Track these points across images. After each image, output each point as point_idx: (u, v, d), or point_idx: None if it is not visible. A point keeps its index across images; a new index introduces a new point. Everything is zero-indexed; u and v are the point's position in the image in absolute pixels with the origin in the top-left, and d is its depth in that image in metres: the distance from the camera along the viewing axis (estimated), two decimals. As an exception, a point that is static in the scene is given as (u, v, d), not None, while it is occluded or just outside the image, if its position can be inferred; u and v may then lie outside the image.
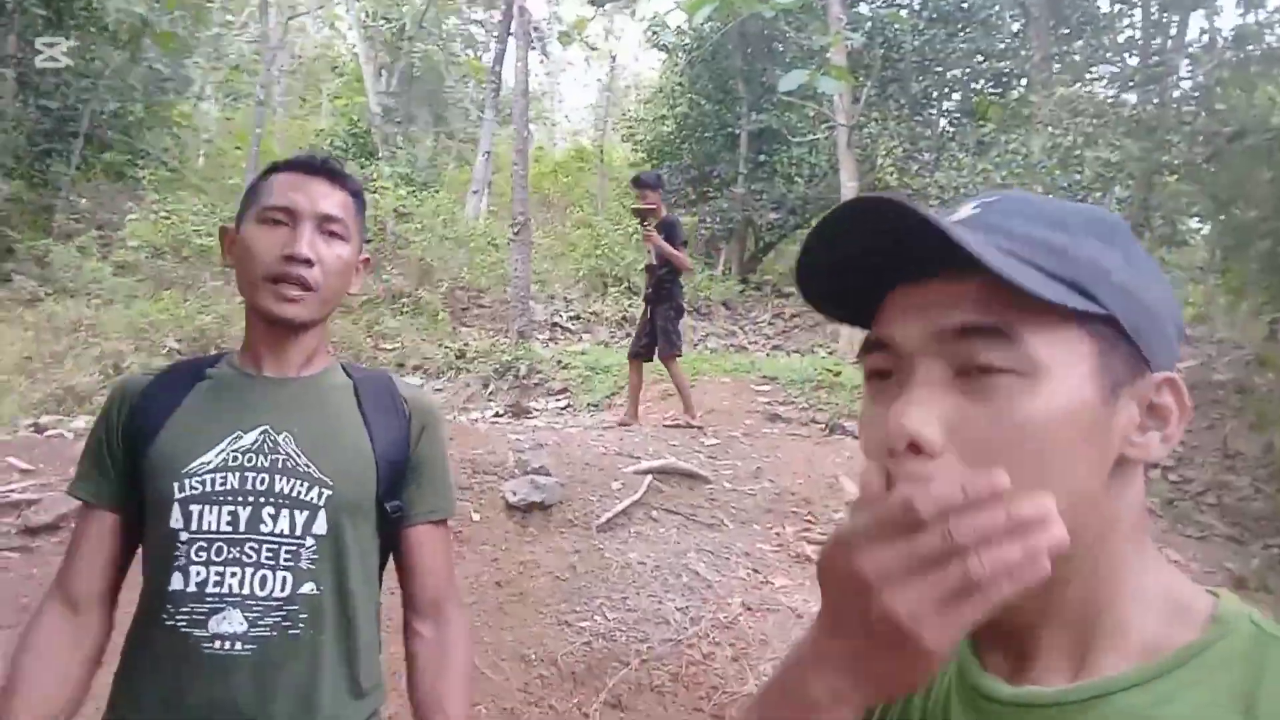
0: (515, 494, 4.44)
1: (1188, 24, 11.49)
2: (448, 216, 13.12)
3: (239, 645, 1.26)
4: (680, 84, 15.56)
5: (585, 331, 11.64)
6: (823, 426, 6.80)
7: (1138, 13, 12.41)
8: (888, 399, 0.60)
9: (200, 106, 18.30)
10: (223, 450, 1.32)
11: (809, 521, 5.06)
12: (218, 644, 1.26)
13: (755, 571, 4.40)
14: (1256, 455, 6.93)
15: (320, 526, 1.33)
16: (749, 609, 4.02)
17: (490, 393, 8.79)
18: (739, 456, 5.76)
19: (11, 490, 4.20)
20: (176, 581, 1.28)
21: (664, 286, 6.39)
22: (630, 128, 17.26)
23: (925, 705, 0.70)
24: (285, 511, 1.31)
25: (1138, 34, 12.52)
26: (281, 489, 1.32)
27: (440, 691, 1.42)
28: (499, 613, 3.81)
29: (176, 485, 1.30)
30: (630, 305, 12.18)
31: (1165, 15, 11.73)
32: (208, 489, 1.30)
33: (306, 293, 1.35)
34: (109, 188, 13.46)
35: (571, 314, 12.11)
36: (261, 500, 1.31)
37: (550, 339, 11.21)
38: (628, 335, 11.60)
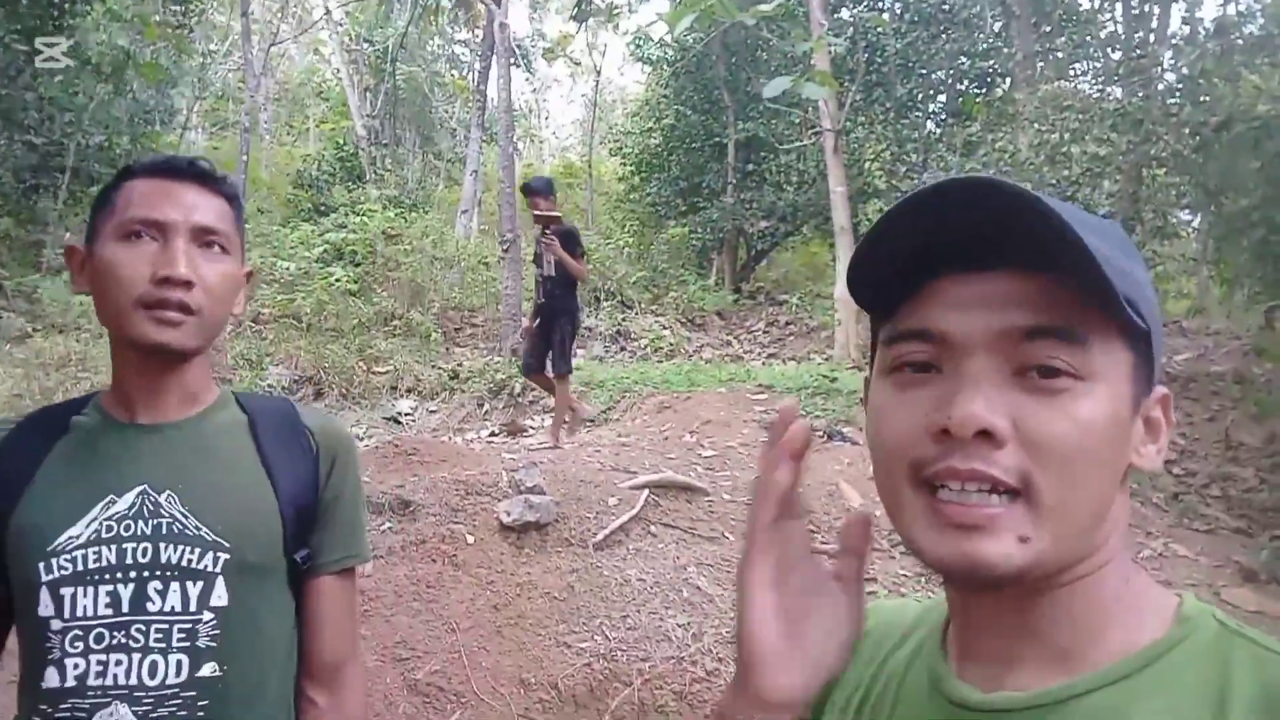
0: (509, 514, 4.37)
1: (1169, 16, 11.51)
2: (437, 237, 13.11)
3: None
4: (665, 96, 15.57)
5: (579, 347, 11.58)
6: (820, 433, 6.74)
7: (1119, 7, 12.43)
8: (929, 390, 0.60)
9: (187, 137, 18.26)
10: (94, 519, 1.13)
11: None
12: None
13: (757, 584, 4.33)
14: (1259, 446, 6.88)
15: (219, 597, 1.15)
16: (752, 622, 3.95)
17: (485, 412, 8.72)
18: (737, 467, 5.70)
19: None
20: (51, 678, 1.10)
21: (560, 299, 6.25)
22: (617, 141, 17.28)
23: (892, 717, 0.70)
24: (175, 584, 1.13)
25: (1120, 28, 12.54)
26: (169, 559, 1.13)
27: None
28: (496, 636, 3.73)
29: (43, 566, 1.11)
30: (624, 319, 12.13)
31: (1146, 7, 11.75)
32: (80, 567, 1.11)
33: (187, 316, 1.15)
34: (97, 221, 13.42)
35: (565, 330, 12.05)
36: (146, 574, 1.12)
37: (544, 356, 11.15)
38: (622, 349, 11.58)
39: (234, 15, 18.67)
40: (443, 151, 20.19)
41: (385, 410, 8.86)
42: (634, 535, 4.61)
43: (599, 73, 19.98)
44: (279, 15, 22.97)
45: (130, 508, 1.15)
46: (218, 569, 1.15)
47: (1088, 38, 12.42)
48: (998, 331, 0.58)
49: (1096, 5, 12.71)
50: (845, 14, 13.69)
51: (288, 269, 11.27)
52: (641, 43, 15.89)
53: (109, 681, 1.10)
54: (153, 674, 1.11)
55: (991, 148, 9.65)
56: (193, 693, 1.12)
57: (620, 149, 16.74)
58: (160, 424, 1.21)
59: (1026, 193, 0.55)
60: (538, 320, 6.37)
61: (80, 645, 1.10)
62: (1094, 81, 12.42)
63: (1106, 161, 8.49)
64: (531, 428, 7.80)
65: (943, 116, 14.29)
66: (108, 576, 1.12)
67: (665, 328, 11.86)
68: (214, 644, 1.14)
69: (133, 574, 1.12)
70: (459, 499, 4.52)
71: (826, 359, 10.08)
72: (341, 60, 18.93)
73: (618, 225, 16.05)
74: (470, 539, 4.29)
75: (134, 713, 1.10)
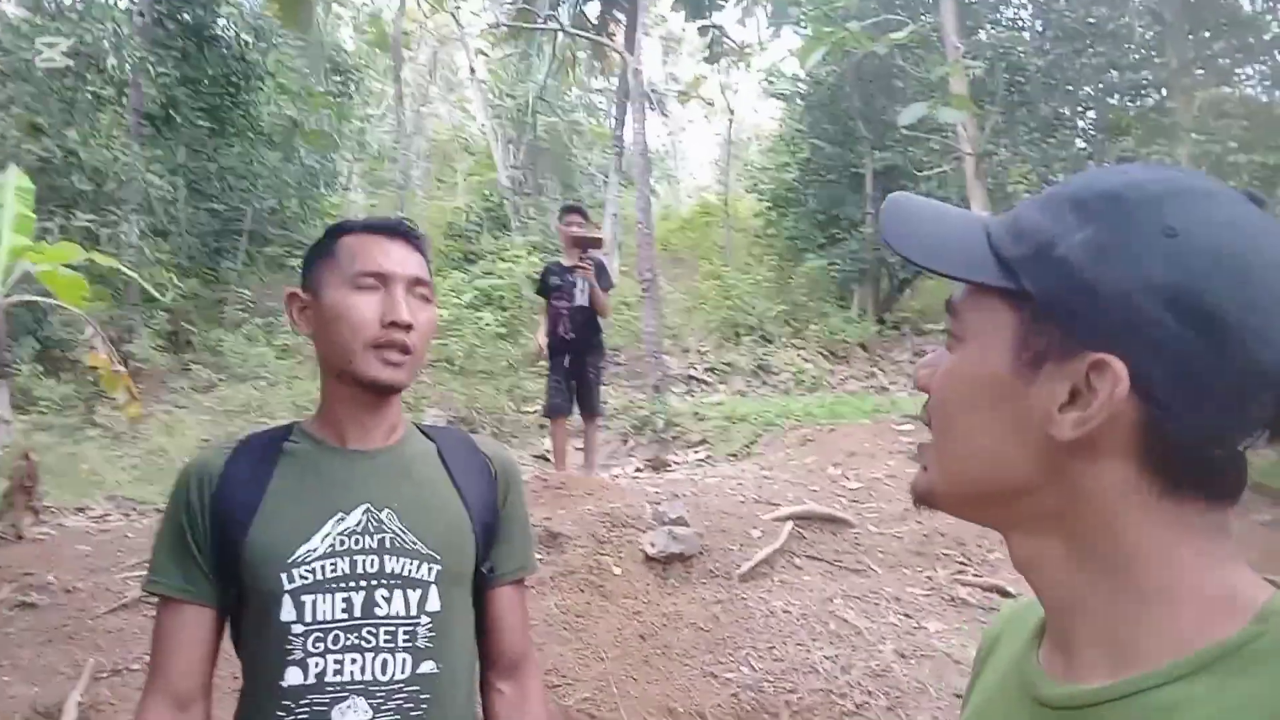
0: (654, 546, 4.46)
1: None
2: (580, 279, 13.45)
3: None
4: (800, 130, 15.56)
5: (721, 382, 11.64)
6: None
7: (1286, 6, 11.63)
8: None
9: (348, 196, 19.53)
10: (328, 534, 1.29)
11: (962, 563, 4.85)
12: None
13: (907, 616, 4.24)
14: None
15: (433, 603, 1.31)
16: (902, 656, 3.87)
17: (630, 448, 8.88)
18: (883, 499, 5.60)
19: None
20: (294, 676, 1.24)
21: (590, 333, 5.88)
22: (753, 178, 17.36)
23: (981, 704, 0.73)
24: (399, 592, 1.29)
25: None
26: (392, 569, 1.29)
27: None
28: (643, 666, 3.80)
29: (285, 576, 1.26)
30: (764, 353, 12.12)
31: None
32: (318, 577, 1.26)
33: (406, 356, 1.33)
34: (271, 278, 14.49)
35: (706, 365, 12.15)
36: (374, 583, 1.28)
37: (687, 392, 11.26)
38: (764, 383, 11.56)
39: (388, 81, 19.97)
40: (583, 197, 20.80)
41: (534, 448, 9.15)
42: (778, 567, 4.61)
43: (732, 111, 20.18)
44: (428, 78, 24.37)
45: (358, 524, 1.31)
46: (432, 578, 1.32)
47: (1250, 41, 11.66)
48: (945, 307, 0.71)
49: (1260, 7, 11.92)
50: (983, 35, 13.37)
51: (441, 315, 11.85)
52: (774, 79, 15.99)
53: (346, 678, 1.25)
54: (383, 670, 1.27)
55: (1146, 161, 9.19)
56: (416, 687, 1.28)
57: (756, 185, 16.81)
58: (371, 449, 1.37)
59: (882, 215, 0.69)
60: (565, 357, 5.88)
61: (321, 646, 1.25)
62: (1260, 86, 11.64)
63: (1276, 169, 7.94)
64: (676, 462, 7.89)
65: (1092, 133, 13.69)
66: (342, 585, 1.27)
67: (807, 360, 11.77)
68: (431, 644, 1.30)
69: (363, 583, 1.28)
70: (605, 530, 4.64)
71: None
72: (485, 115, 19.88)
73: (755, 260, 16.08)
74: (617, 570, 4.40)
75: (369, 705, 1.25)
